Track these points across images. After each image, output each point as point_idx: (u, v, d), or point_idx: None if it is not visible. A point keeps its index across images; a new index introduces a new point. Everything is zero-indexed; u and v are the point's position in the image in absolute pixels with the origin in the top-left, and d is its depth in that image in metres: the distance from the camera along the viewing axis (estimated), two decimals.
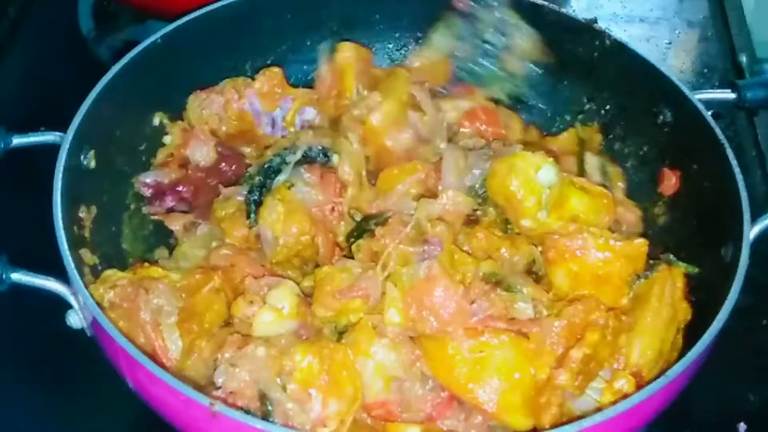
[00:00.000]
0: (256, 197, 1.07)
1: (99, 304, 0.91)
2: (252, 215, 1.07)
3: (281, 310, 0.92)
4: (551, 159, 1.00)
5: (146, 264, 1.02)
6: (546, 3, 1.22)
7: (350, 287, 0.94)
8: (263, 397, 0.86)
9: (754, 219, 0.97)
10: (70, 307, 0.92)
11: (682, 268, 0.98)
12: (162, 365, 0.90)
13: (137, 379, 0.87)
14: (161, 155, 1.16)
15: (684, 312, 0.97)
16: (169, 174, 1.13)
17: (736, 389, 1.09)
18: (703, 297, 0.97)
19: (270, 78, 1.18)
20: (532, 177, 0.99)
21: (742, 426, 1.04)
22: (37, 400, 1.07)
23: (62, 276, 0.91)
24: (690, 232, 1.06)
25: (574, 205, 1.00)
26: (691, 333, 0.93)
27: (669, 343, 0.95)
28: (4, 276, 0.91)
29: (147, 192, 1.12)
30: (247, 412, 0.85)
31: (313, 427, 0.85)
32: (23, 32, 1.54)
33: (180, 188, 1.13)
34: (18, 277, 0.92)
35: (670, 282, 0.97)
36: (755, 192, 1.26)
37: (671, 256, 0.99)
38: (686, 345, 0.90)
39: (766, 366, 1.12)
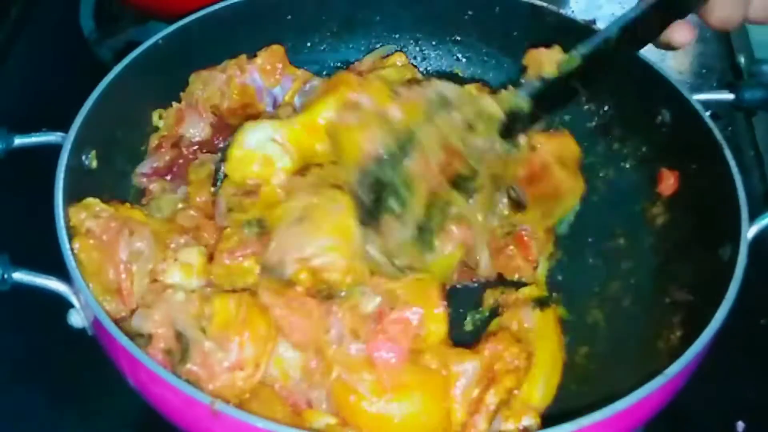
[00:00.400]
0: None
1: (74, 228, 0.93)
2: (218, 183, 1.07)
3: (189, 266, 0.95)
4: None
5: (127, 204, 1.04)
6: (545, 4, 1.22)
7: (239, 245, 0.96)
8: (180, 337, 0.88)
9: (752, 219, 0.97)
10: (72, 306, 0.93)
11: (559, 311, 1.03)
12: (123, 304, 0.93)
13: (138, 378, 0.87)
14: (154, 140, 1.16)
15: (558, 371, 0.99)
16: (163, 156, 1.14)
17: (734, 388, 1.09)
18: (701, 297, 0.98)
19: (272, 55, 1.18)
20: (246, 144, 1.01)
21: (740, 425, 1.05)
22: (37, 400, 1.07)
23: (63, 275, 0.92)
24: (688, 232, 1.07)
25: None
26: (690, 332, 0.93)
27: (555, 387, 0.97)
28: (5, 275, 0.92)
29: (146, 182, 1.13)
30: (168, 353, 0.87)
31: (231, 371, 0.86)
32: (25, 33, 1.55)
33: (175, 167, 1.14)
34: (20, 276, 0.92)
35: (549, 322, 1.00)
36: (753, 192, 1.27)
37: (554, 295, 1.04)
38: (685, 344, 0.90)
39: (765, 365, 1.13)
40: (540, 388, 0.95)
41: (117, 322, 0.88)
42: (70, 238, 0.93)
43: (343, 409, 0.88)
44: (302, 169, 1.01)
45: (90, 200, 0.99)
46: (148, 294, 0.93)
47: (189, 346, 0.87)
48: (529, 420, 0.91)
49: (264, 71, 1.18)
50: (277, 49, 1.19)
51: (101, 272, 0.94)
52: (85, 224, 0.95)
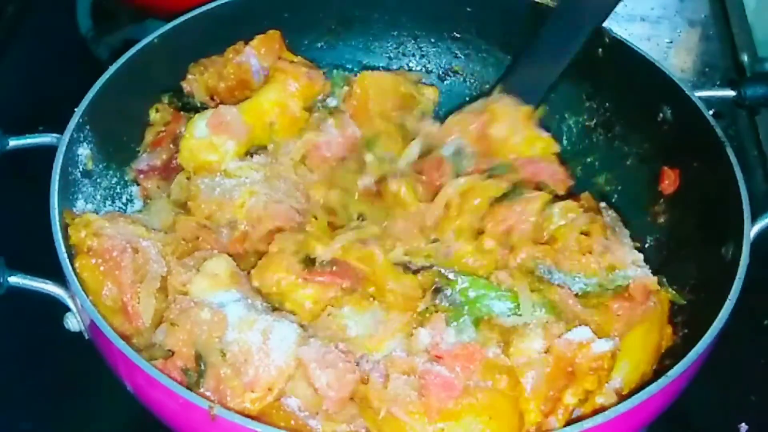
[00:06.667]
0: None
1: (75, 246, 0.93)
2: None
3: (216, 277, 0.94)
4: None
5: (127, 217, 1.03)
6: (545, 1, 1.21)
7: None
8: (199, 358, 0.87)
9: (755, 218, 0.96)
10: (68, 309, 0.92)
11: (669, 295, 0.98)
12: (129, 323, 0.92)
13: (135, 381, 0.87)
14: (149, 135, 1.15)
15: (667, 338, 0.97)
16: (161, 155, 1.13)
17: (737, 390, 1.09)
18: (703, 296, 0.97)
19: (268, 38, 1.19)
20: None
21: (743, 427, 1.04)
22: (36, 403, 1.07)
23: (60, 279, 0.91)
24: (690, 231, 1.06)
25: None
26: (692, 333, 0.93)
27: (651, 367, 0.95)
28: (1, 279, 0.91)
29: (143, 178, 1.12)
30: (185, 371, 0.86)
31: (243, 392, 0.86)
32: (21, 32, 1.54)
33: (171, 165, 1.13)
34: (15, 280, 0.92)
35: (660, 307, 0.96)
36: (756, 191, 1.26)
37: (663, 279, 0.98)
38: (687, 345, 0.89)
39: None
40: (621, 372, 0.92)
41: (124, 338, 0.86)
42: (66, 242, 0.93)
43: None
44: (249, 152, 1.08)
45: (89, 216, 0.98)
46: (173, 308, 0.91)
47: (206, 369, 0.87)
48: (603, 399, 0.90)
49: (260, 54, 1.18)
50: (273, 34, 1.19)
51: (106, 292, 0.93)
52: (87, 243, 0.94)
